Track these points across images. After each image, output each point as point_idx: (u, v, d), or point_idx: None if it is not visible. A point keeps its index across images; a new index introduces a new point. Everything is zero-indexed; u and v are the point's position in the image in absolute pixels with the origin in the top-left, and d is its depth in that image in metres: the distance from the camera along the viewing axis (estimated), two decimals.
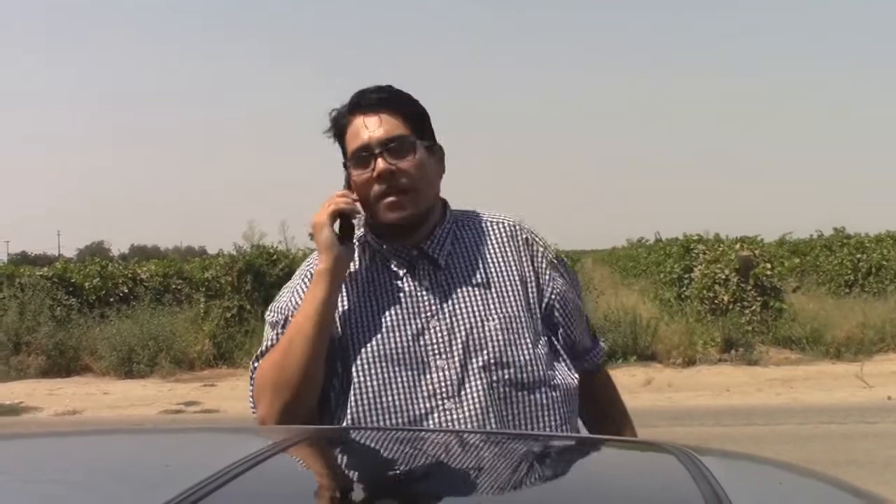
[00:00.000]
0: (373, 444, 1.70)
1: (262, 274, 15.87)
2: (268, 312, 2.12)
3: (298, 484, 1.27)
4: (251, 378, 2.04)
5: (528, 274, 2.08)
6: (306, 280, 2.08)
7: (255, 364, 2.04)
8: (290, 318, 2.01)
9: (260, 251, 16.52)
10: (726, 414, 10.21)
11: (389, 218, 2.00)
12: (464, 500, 1.25)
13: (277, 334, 2.03)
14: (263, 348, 2.04)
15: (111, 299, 17.39)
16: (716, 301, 15.47)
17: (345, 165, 2.06)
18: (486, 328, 1.98)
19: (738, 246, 16.02)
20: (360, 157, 2.01)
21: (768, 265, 15.56)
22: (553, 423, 1.97)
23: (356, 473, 1.44)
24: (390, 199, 1.99)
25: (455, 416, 1.90)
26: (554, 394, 1.99)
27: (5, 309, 15.66)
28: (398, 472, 1.44)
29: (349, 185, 2.04)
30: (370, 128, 2.01)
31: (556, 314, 2.09)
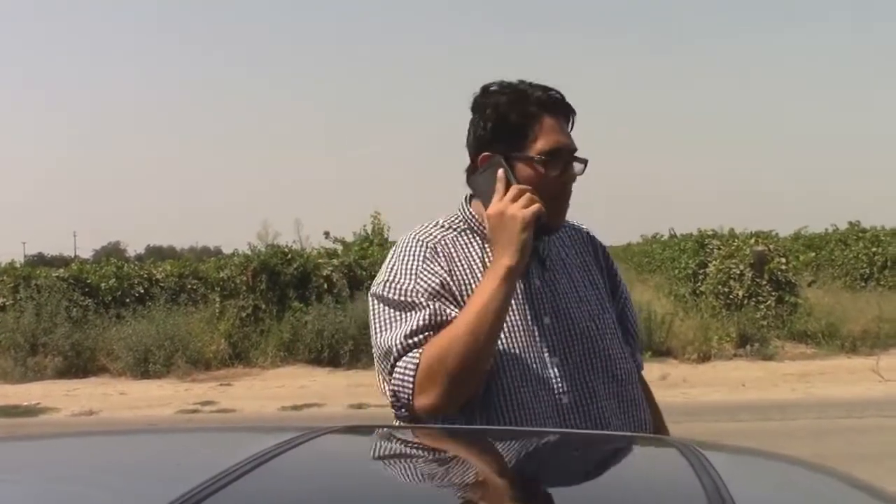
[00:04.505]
0: (379, 443, 1.72)
1: (276, 273, 15.91)
2: (388, 290, 2.01)
3: (304, 483, 1.28)
4: (408, 361, 1.91)
5: (603, 277, 2.22)
6: (428, 267, 2.03)
7: (412, 347, 1.93)
8: (421, 303, 1.97)
9: (275, 251, 16.57)
10: (742, 409, 10.20)
11: (556, 223, 2.10)
12: (468, 496, 1.27)
13: (429, 317, 1.95)
14: (408, 330, 1.94)
15: (127, 300, 17.45)
16: (731, 296, 15.46)
17: (511, 158, 2.03)
18: (590, 328, 2.09)
19: (752, 241, 16.01)
20: (556, 158, 2.03)
21: (783, 260, 15.55)
22: (644, 417, 2.11)
23: (362, 472, 1.46)
24: (564, 205, 2.09)
25: (583, 414, 2.00)
26: (639, 389, 2.17)
27: (22, 310, 15.74)
28: (403, 469, 1.46)
29: (513, 179, 2.01)
30: (564, 131, 2.07)
31: (627, 314, 2.25)
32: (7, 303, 16.62)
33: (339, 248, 18.24)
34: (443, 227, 2.13)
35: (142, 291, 17.93)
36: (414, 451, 1.59)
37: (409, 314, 1.95)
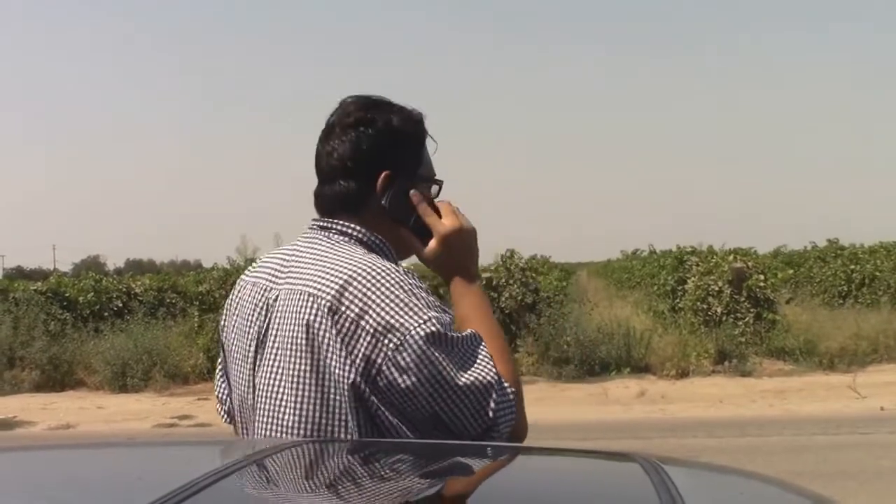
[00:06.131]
0: (342, 456, 1.72)
1: None
2: (438, 326, 1.68)
3: (266, 494, 1.29)
4: (512, 398, 1.73)
5: None
6: (436, 299, 1.77)
7: (506, 384, 1.73)
8: (472, 335, 1.76)
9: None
10: (719, 425, 10.22)
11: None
12: None
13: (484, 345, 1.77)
14: (491, 363, 1.73)
15: (105, 313, 17.40)
16: (709, 313, 15.50)
17: (416, 178, 1.91)
18: None
19: (731, 257, 16.06)
20: (433, 183, 1.98)
21: (761, 276, 15.60)
22: None
23: (323, 485, 1.46)
24: None
25: None
26: None
27: None
28: (364, 483, 1.46)
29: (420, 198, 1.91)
30: None
31: None
32: None
33: None
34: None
35: (120, 305, 17.90)
36: (376, 463, 1.60)
37: (475, 347, 1.73)
